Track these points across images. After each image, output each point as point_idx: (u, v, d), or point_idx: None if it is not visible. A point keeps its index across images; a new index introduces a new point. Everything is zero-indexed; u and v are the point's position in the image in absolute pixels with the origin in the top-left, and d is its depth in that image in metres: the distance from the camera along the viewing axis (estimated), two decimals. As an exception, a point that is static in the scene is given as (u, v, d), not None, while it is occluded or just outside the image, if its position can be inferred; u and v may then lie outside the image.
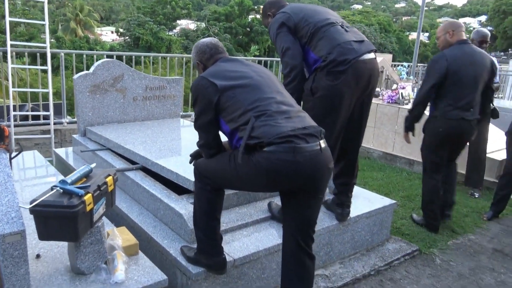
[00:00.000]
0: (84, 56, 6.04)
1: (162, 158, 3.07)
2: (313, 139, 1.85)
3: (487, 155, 4.59)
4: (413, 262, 3.04)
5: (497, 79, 4.42)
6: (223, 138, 2.08)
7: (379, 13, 60.35)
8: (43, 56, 5.26)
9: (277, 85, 2.04)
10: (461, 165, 4.70)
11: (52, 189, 1.86)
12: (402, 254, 3.08)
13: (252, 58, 8.53)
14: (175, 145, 3.48)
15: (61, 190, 1.84)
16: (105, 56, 5.59)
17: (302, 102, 2.67)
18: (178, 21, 45.24)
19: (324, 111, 2.54)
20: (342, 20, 2.70)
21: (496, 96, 5.11)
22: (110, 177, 2.10)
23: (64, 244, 2.18)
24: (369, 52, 2.58)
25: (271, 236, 2.56)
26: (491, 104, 4.21)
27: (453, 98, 3.21)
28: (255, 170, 1.83)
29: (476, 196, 4.41)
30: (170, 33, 40.06)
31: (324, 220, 2.84)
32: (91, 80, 3.93)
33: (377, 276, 2.82)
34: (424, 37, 60.40)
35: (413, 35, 50.43)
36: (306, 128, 1.87)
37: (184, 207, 2.51)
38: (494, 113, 4.36)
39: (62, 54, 5.51)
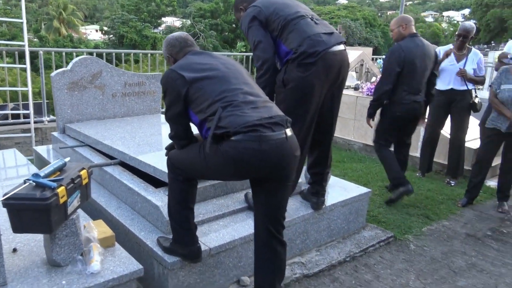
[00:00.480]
0: (64, 54, 6.02)
1: (140, 152, 3.10)
2: (279, 127, 1.91)
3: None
4: (387, 248, 3.13)
5: (482, 71, 4.53)
6: (196, 130, 2.13)
7: (364, 8, 60.63)
8: (25, 55, 5.24)
9: (244, 76, 2.09)
10: (442, 155, 4.82)
11: (25, 182, 1.89)
12: (377, 241, 3.16)
13: (238, 54, 8.55)
14: (154, 140, 3.52)
15: (34, 183, 1.87)
16: (85, 54, 5.57)
17: (275, 94, 2.73)
18: (163, 19, 44.94)
19: (295, 102, 2.60)
20: (312, 13, 2.76)
21: (478, 88, 5.24)
22: (84, 171, 2.13)
23: (41, 237, 2.21)
24: (339, 44, 2.64)
25: (247, 226, 2.62)
26: (474, 97, 4.46)
27: (407, 84, 3.60)
28: (223, 159, 1.88)
29: (452, 184, 4.53)
30: (155, 31, 39.80)
31: (300, 209, 2.91)
32: (69, 77, 3.94)
33: (352, 262, 2.90)
34: (410, 31, 60.63)
35: (398, 29, 50.64)
36: (272, 117, 1.93)
37: (161, 199, 2.55)
38: (474, 107, 4.47)
39: (41, 52, 5.49)
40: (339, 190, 3.29)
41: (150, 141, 3.46)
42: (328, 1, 67.46)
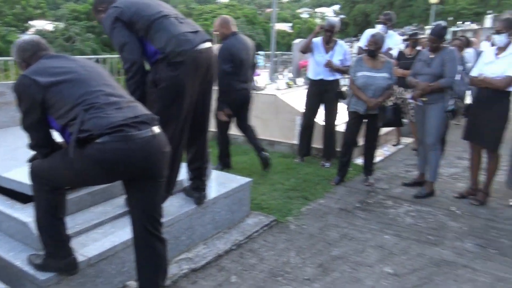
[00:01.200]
0: None
1: (4, 168, 2.85)
2: (145, 126, 1.93)
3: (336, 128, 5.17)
4: (270, 231, 3.33)
5: (348, 62, 4.95)
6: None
7: (244, 6, 62.38)
8: None
9: (105, 78, 2.06)
10: (318, 140, 5.22)
11: None
12: (261, 226, 3.35)
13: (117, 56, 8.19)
14: (20, 154, 3.23)
15: None
16: None
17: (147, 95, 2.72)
18: (31, 22, 41.02)
19: (168, 101, 2.62)
20: (176, 13, 2.80)
21: (346, 77, 5.75)
22: None
23: None
24: (204, 42, 2.72)
25: (128, 230, 2.57)
26: (341, 86, 4.94)
27: (238, 75, 4.23)
28: (90, 163, 1.84)
29: (327, 166, 4.95)
30: (23, 36, 36.16)
31: (183, 206, 2.95)
32: None
33: (238, 250, 3.03)
34: (287, 27, 64.19)
35: (277, 26, 53.29)
36: (138, 116, 1.94)
37: (30, 215, 2.38)
38: (342, 95, 4.92)
39: None
40: (222, 182, 3.40)
41: (15, 155, 3.19)
42: (209, 0, 68.01)
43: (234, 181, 3.44)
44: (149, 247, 2.11)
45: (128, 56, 2.59)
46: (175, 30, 2.62)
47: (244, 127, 4.65)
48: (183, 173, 3.18)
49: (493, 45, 3.89)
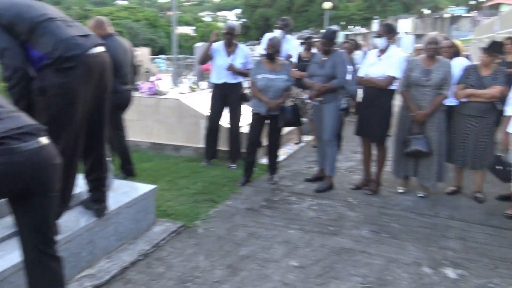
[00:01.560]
0: None
1: None
2: (31, 137, 1.79)
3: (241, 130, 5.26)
4: (178, 237, 3.29)
5: (249, 65, 5.01)
6: None
7: (145, 9, 60.71)
8: None
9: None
10: (223, 142, 5.26)
11: None
12: (168, 233, 3.29)
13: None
14: None
15: None
16: None
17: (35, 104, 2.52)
18: None
19: (59, 109, 2.45)
20: (63, 15, 2.63)
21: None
22: None
23: None
24: (96, 46, 2.60)
25: (19, 252, 2.36)
26: (244, 89, 5.01)
27: (118, 77, 4.04)
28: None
29: (233, 168, 5.02)
30: None
31: (81, 220, 2.79)
32: None
33: (145, 260, 2.94)
34: (191, 30, 63.85)
35: (180, 29, 52.73)
36: (22, 127, 1.79)
37: None
38: (245, 97, 5.01)
39: None
40: (124, 191, 3.27)
41: None
42: (106, 2, 64.94)
43: (138, 189, 3.34)
44: (43, 268, 1.95)
45: (9, 62, 2.38)
46: (63, 34, 2.46)
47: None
48: (81, 185, 3.01)
49: (375, 47, 4.28)
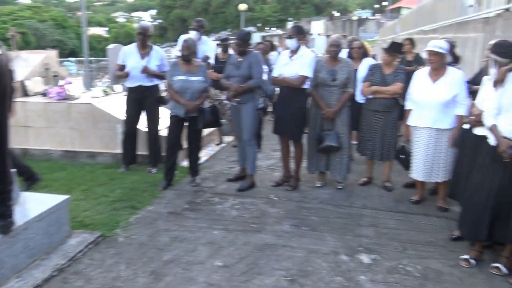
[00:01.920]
0: None
1: None
2: None
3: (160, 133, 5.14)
4: (96, 248, 3.14)
5: (165, 67, 4.90)
6: None
7: (51, 9, 56.75)
8: None
9: None
10: (142, 147, 5.11)
11: None
12: (85, 245, 3.12)
13: None
14: None
15: None
16: None
17: None
18: None
19: None
20: None
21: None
22: None
23: None
24: None
25: None
26: (161, 92, 4.88)
27: None
28: None
29: (154, 172, 4.90)
30: None
31: (-15, 239, 2.55)
32: None
33: (60, 275, 2.77)
34: (103, 31, 60.97)
35: (91, 30, 50.09)
36: None
37: None
38: (162, 100, 4.89)
39: None
40: (34, 204, 3.05)
41: None
42: (7, 1, 59.70)
43: (49, 200, 3.12)
44: None
45: None
46: None
47: None
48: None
49: (287, 48, 4.43)
